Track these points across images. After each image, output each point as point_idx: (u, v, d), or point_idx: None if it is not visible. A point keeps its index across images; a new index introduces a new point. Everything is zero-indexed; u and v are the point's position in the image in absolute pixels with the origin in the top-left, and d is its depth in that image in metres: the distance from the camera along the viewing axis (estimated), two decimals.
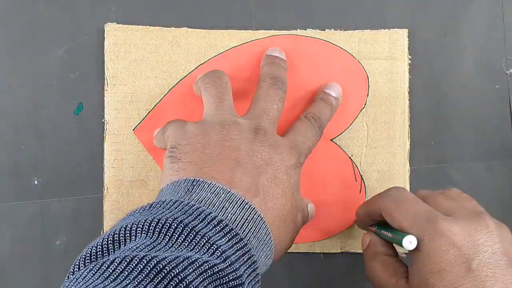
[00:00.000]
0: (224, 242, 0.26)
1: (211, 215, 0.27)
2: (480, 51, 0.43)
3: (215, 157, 0.31)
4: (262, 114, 0.35)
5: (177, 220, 0.26)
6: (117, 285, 0.22)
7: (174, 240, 0.25)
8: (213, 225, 0.27)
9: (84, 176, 0.41)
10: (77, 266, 0.25)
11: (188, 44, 0.41)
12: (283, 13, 0.42)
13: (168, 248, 0.25)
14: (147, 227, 0.25)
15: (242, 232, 0.28)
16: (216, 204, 0.28)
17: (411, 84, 0.42)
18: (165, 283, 0.23)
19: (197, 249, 0.25)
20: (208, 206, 0.28)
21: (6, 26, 0.41)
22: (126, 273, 0.23)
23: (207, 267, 0.24)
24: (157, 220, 0.26)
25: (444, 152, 0.43)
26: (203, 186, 0.29)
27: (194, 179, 0.29)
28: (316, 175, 0.41)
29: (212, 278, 0.24)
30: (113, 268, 0.23)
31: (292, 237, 0.34)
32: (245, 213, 0.28)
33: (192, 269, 0.23)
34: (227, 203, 0.28)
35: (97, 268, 0.23)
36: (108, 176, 0.41)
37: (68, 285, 0.23)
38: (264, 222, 0.29)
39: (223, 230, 0.27)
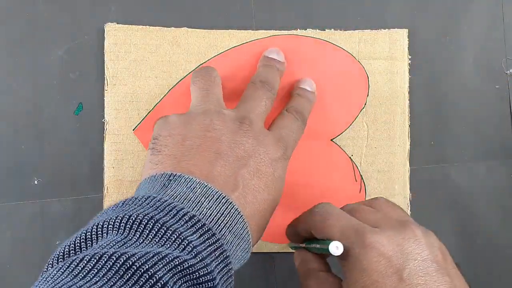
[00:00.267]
0: (195, 238, 0.26)
1: (183, 210, 0.27)
2: (480, 51, 0.43)
3: (195, 149, 0.31)
4: (249, 109, 0.35)
5: (148, 216, 0.26)
6: (86, 282, 0.22)
7: (144, 236, 0.25)
8: (184, 220, 0.26)
9: (84, 176, 0.41)
10: (50, 265, 0.25)
11: (188, 44, 0.41)
12: (283, 13, 0.42)
13: (138, 244, 0.25)
14: (118, 223, 0.25)
15: (217, 227, 0.28)
16: (192, 199, 0.28)
17: (411, 84, 0.42)
18: (134, 279, 0.23)
19: (168, 245, 0.25)
20: (183, 201, 0.28)
21: (6, 26, 0.41)
22: (96, 270, 0.23)
23: (177, 262, 0.24)
24: (128, 217, 0.26)
25: (444, 152, 0.43)
26: (180, 181, 0.29)
27: (171, 174, 0.29)
28: (316, 175, 0.41)
29: (182, 273, 0.24)
30: (82, 266, 0.23)
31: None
32: (221, 208, 0.28)
33: (162, 265, 0.23)
34: (203, 197, 0.28)
35: (66, 267, 0.23)
36: (108, 176, 0.41)
37: (37, 284, 0.23)
38: (241, 216, 0.29)
39: (195, 226, 0.27)
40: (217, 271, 0.26)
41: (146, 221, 0.25)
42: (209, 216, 0.28)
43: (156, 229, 0.25)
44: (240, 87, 0.40)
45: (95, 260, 0.23)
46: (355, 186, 0.42)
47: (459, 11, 0.43)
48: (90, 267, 0.23)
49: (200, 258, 0.25)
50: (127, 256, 0.23)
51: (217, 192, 0.29)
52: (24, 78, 0.41)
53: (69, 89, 0.41)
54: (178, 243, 0.25)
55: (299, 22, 0.42)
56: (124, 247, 0.24)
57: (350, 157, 0.42)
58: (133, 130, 0.41)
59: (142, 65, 0.41)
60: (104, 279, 0.22)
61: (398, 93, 0.42)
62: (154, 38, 0.41)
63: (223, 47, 0.41)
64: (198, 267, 0.25)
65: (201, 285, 0.25)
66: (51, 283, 0.23)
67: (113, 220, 0.26)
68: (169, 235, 0.25)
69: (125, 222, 0.25)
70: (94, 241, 0.25)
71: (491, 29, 0.43)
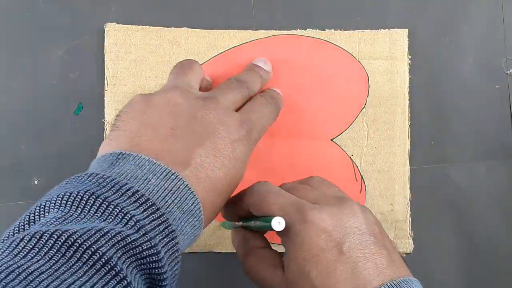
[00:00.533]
0: (138, 213, 0.26)
1: (126, 186, 0.26)
2: (480, 51, 0.43)
3: (151, 125, 0.31)
4: (219, 93, 0.34)
5: (89, 192, 0.25)
6: (28, 261, 0.22)
7: (86, 212, 0.25)
8: (127, 195, 0.26)
9: None
10: None
11: (188, 44, 0.41)
12: (283, 13, 0.42)
13: (79, 220, 0.25)
14: (59, 201, 0.25)
15: (165, 203, 0.27)
16: (139, 176, 0.28)
17: (411, 84, 0.42)
18: (77, 256, 0.23)
19: (110, 220, 0.25)
20: (130, 178, 0.27)
21: (6, 26, 0.41)
22: (37, 249, 0.22)
23: (119, 238, 0.24)
24: (69, 194, 0.25)
25: (444, 152, 0.43)
26: (128, 159, 0.28)
27: (120, 153, 0.29)
28: (316, 175, 0.41)
29: (126, 248, 0.24)
30: (22, 245, 0.23)
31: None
32: (170, 184, 0.28)
33: (104, 241, 0.23)
34: (151, 174, 0.28)
35: (6, 247, 0.23)
36: None
37: None
38: (192, 192, 0.29)
39: (138, 201, 0.26)
40: (162, 245, 0.26)
41: (87, 197, 0.25)
42: (156, 193, 0.27)
43: (97, 205, 0.25)
44: None
45: (36, 239, 0.23)
46: (355, 186, 0.42)
47: (459, 11, 0.43)
48: (31, 246, 0.23)
49: (143, 232, 0.25)
50: (68, 234, 0.23)
51: (166, 169, 0.28)
52: (24, 78, 0.41)
53: (69, 89, 0.41)
54: (120, 217, 0.25)
55: (299, 22, 0.42)
56: (65, 223, 0.24)
57: (350, 157, 0.42)
58: None
59: (142, 65, 0.41)
60: (46, 258, 0.22)
61: (398, 93, 0.42)
62: (154, 38, 0.41)
63: (223, 47, 0.41)
64: (141, 241, 0.25)
65: (145, 259, 0.25)
66: None
67: (54, 198, 0.25)
68: (111, 210, 0.25)
69: (66, 199, 0.25)
70: (37, 220, 0.25)
71: (491, 29, 0.43)
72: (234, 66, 0.41)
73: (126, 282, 0.23)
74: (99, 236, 0.23)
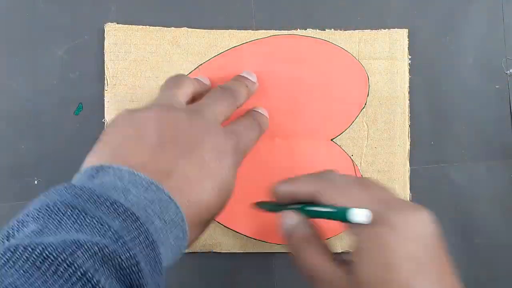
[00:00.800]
0: (117, 223, 0.25)
1: (103, 196, 0.26)
2: (480, 51, 0.43)
3: (134, 139, 0.30)
4: (204, 105, 0.34)
5: (65, 203, 0.25)
6: (1, 276, 0.21)
7: (63, 224, 0.24)
8: (106, 206, 0.26)
9: None
10: None
11: (188, 44, 0.41)
12: (283, 13, 0.42)
13: (55, 231, 0.24)
14: (36, 213, 0.25)
15: (145, 214, 0.27)
16: (119, 187, 0.27)
17: (411, 84, 0.42)
18: (53, 270, 0.22)
19: (88, 231, 0.24)
20: (110, 190, 0.27)
21: (6, 26, 0.41)
22: (12, 263, 0.22)
23: (96, 249, 0.23)
24: (45, 205, 0.25)
25: (444, 152, 0.43)
26: (108, 171, 0.28)
27: (101, 165, 0.28)
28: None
29: (104, 259, 0.24)
30: None
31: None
32: (150, 195, 0.27)
33: (81, 253, 0.23)
34: (131, 185, 0.27)
35: None
36: None
37: None
38: (174, 204, 0.28)
39: (117, 211, 0.26)
40: (142, 256, 0.25)
41: (64, 208, 0.25)
42: (136, 203, 0.27)
43: (74, 216, 0.25)
44: None
45: (10, 253, 0.22)
46: None
47: (459, 11, 0.43)
48: (5, 260, 0.22)
49: (122, 242, 0.24)
50: (43, 246, 0.22)
51: (147, 180, 0.28)
52: (24, 78, 0.41)
53: (69, 89, 0.41)
54: (98, 228, 0.24)
55: (299, 22, 0.42)
56: (40, 235, 0.24)
57: (350, 157, 0.42)
58: None
59: (142, 65, 0.41)
60: (20, 271, 0.22)
61: (398, 93, 0.42)
62: (154, 38, 0.41)
63: (223, 47, 0.41)
64: (120, 252, 0.24)
65: (124, 270, 0.24)
66: None
67: (32, 212, 0.25)
68: (88, 221, 0.25)
69: (44, 211, 0.25)
70: (16, 236, 0.24)
71: (491, 29, 0.43)
72: (234, 66, 0.41)
73: None
74: (75, 247, 0.23)
